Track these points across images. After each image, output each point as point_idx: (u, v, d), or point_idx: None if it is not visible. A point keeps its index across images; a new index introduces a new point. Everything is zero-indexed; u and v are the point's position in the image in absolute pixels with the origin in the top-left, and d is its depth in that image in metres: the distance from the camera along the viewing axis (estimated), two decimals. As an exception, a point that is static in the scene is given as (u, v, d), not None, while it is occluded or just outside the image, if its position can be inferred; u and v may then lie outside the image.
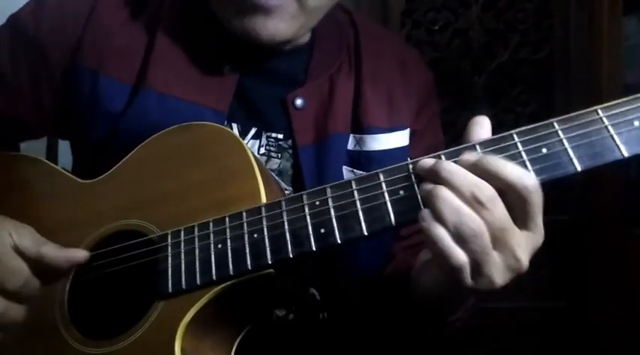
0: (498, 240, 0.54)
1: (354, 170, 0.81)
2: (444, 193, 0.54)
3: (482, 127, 0.58)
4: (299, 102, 0.80)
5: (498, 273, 0.55)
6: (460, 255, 0.54)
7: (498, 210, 0.54)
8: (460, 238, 0.53)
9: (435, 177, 0.56)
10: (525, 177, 0.54)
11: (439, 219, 0.54)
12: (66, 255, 0.70)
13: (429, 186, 0.56)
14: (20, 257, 0.69)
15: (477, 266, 0.54)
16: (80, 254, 0.70)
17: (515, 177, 0.54)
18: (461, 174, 0.55)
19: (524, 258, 0.55)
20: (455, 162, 0.56)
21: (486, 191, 0.54)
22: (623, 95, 0.56)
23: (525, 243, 0.55)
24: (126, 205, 0.72)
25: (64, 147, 0.93)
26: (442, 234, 0.54)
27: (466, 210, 0.53)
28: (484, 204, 0.53)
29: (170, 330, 0.62)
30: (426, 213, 0.55)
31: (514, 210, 0.54)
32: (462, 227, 0.53)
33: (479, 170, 0.55)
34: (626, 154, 0.54)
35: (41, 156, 0.86)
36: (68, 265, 0.70)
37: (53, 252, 0.69)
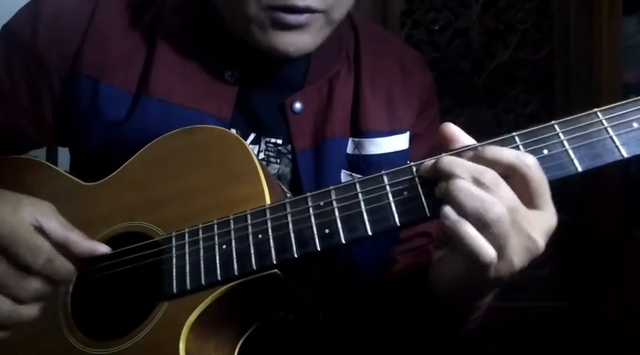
0: (512, 222, 0.54)
1: (353, 174, 0.80)
2: (458, 183, 0.54)
3: (452, 135, 0.60)
4: (297, 106, 0.80)
5: (517, 256, 0.55)
6: (490, 250, 0.53)
7: (503, 191, 0.54)
8: (484, 225, 0.53)
9: (436, 172, 0.57)
10: (522, 156, 0.55)
11: (460, 210, 0.54)
12: (90, 246, 0.68)
13: (443, 184, 0.56)
14: (42, 236, 0.66)
15: (501, 252, 0.54)
16: (103, 248, 0.69)
17: (513, 157, 0.55)
18: (460, 163, 0.56)
19: (539, 238, 0.55)
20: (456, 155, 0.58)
21: (488, 174, 0.55)
22: (623, 95, 0.57)
23: (538, 224, 0.55)
24: (130, 207, 0.72)
25: (64, 152, 0.93)
26: (471, 232, 0.53)
27: (487, 196, 0.53)
28: (487, 186, 0.54)
29: (175, 331, 0.62)
30: (448, 210, 0.55)
31: (520, 191, 0.55)
32: (485, 212, 0.53)
33: (478, 161, 0.56)
34: (625, 155, 0.56)
35: (41, 159, 0.86)
36: (89, 256, 0.69)
37: (79, 239, 0.68)
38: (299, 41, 0.71)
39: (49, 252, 0.66)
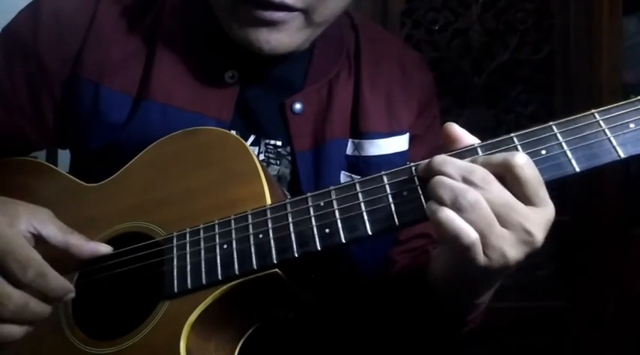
0: (505, 217, 0.55)
1: (353, 175, 0.81)
2: (437, 179, 0.56)
3: (455, 135, 0.60)
4: (297, 107, 0.80)
5: (510, 248, 0.55)
6: (470, 231, 0.54)
7: (493, 187, 0.55)
8: (461, 209, 0.54)
9: (430, 171, 0.58)
10: (511, 156, 0.55)
11: (440, 202, 0.55)
12: (91, 248, 0.69)
13: (431, 182, 0.57)
14: (40, 244, 0.66)
15: (484, 239, 0.55)
16: (104, 248, 0.69)
17: (502, 158, 0.55)
18: (450, 161, 0.57)
19: (536, 231, 0.55)
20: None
21: (477, 172, 0.55)
22: (623, 95, 0.57)
23: (535, 217, 0.55)
24: (131, 207, 0.72)
25: (63, 153, 0.93)
26: (449, 215, 0.54)
27: (461, 185, 0.55)
28: (477, 184, 0.55)
29: (175, 329, 0.63)
30: (430, 203, 0.56)
31: (514, 189, 0.55)
32: (459, 199, 0.54)
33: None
34: (622, 155, 0.56)
35: (41, 160, 0.86)
36: (91, 257, 0.69)
37: (80, 242, 0.68)
38: (274, 39, 0.71)
39: (39, 266, 0.63)
